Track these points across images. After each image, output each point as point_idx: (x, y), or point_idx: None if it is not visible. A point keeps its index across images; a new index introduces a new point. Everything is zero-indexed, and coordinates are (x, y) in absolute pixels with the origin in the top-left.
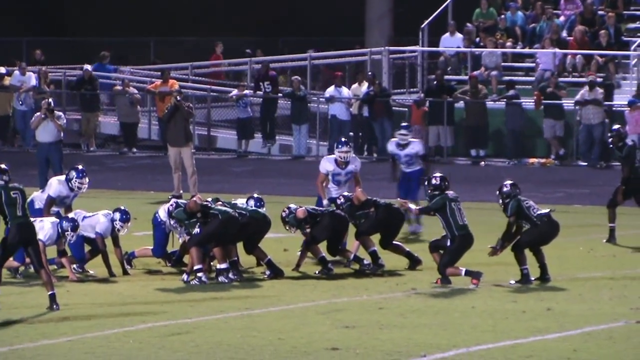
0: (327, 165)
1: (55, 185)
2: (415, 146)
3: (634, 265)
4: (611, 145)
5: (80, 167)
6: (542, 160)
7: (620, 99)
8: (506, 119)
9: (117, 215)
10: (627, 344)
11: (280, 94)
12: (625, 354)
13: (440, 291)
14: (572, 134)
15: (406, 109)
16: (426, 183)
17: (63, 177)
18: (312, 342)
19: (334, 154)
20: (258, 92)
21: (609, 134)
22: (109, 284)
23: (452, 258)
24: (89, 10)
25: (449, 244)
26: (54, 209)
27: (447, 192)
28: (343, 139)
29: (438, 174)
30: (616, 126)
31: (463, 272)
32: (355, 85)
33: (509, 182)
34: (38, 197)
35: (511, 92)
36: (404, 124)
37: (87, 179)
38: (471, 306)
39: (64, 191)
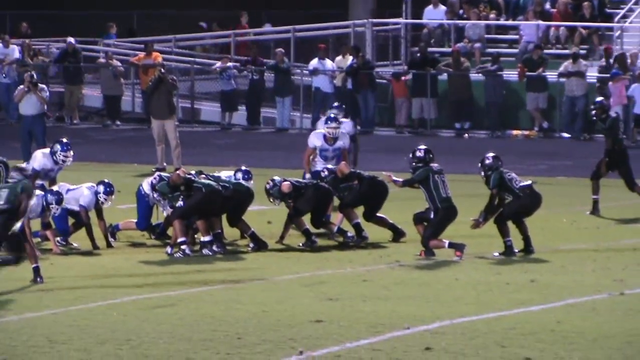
0: (315, 140)
1: (40, 158)
2: (346, 126)
3: (618, 237)
4: (594, 118)
5: (64, 140)
6: (526, 133)
7: (603, 71)
8: (485, 92)
9: (101, 188)
10: (610, 316)
11: (263, 67)
12: (608, 325)
13: (424, 264)
14: (556, 106)
15: (389, 82)
16: (410, 155)
17: (47, 150)
18: (295, 314)
19: (322, 128)
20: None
21: (592, 106)
22: (93, 256)
23: (436, 230)
24: None
25: (432, 216)
26: (39, 181)
27: (431, 164)
28: (332, 115)
29: (422, 146)
30: (599, 98)
31: (446, 245)
32: (339, 58)
33: (491, 154)
34: None
35: (494, 66)
36: (335, 104)
37: (71, 152)
38: (455, 278)
39: (49, 164)
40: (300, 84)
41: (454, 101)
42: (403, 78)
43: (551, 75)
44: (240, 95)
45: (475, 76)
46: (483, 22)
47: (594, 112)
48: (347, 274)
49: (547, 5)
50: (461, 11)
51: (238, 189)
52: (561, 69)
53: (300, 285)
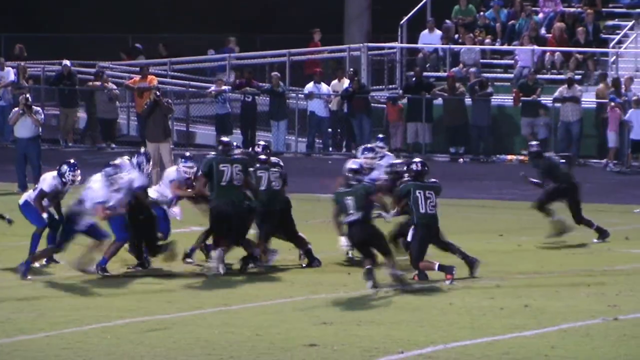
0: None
1: (49, 180)
2: (387, 160)
3: (612, 263)
4: (533, 166)
5: (71, 160)
6: (520, 158)
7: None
8: (473, 116)
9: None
10: (604, 341)
11: (259, 90)
12: (602, 351)
13: (418, 288)
14: (551, 131)
15: (385, 106)
16: (405, 168)
17: (55, 173)
18: (290, 338)
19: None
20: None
21: (527, 152)
22: (86, 279)
23: (419, 251)
24: (67, 6)
25: (410, 231)
26: (45, 202)
27: (424, 179)
28: (371, 145)
29: (417, 159)
30: (533, 143)
31: (436, 267)
32: (335, 82)
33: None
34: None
35: (486, 90)
36: (380, 135)
37: (79, 171)
38: (449, 303)
39: (59, 186)
40: (295, 107)
41: (449, 126)
42: (399, 103)
43: (546, 100)
44: (235, 119)
45: (470, 101)
46: (478, 47)
47: (530, 160)
48: (341, 297)
49: (543, 31)
50: (456, 36)
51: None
52: (556, 94)
53: (294, 309)
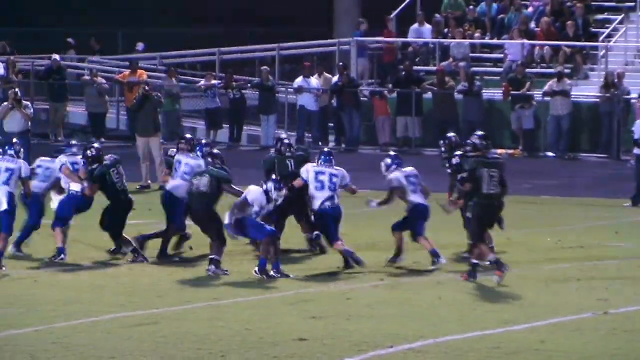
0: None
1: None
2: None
3: (602, 257)
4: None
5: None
6: (510, 152)
7: (588, 90)
8: (464, 111)
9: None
10: (594, 336)
11: (248, 85)
12: (592, 345)
13: (407, 282)
14: (541, 126)
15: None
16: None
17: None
18: (279, 333)
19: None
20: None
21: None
22: (76, 274)
23: (477, 231)
24: (54, 2)
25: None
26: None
27: (487, 156)
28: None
29: (478, 133)
30: (450, 134)
31: (491, 258)
32: (328, 76)
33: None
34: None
35: (476, 85)
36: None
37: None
38: (438, 297)
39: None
40: (285, 102)
41: (439, 120)
42: (386, 93)
43: (536, 95)
44: (225, 113)
45: (460, 96)
46: (468, 41)
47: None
48: (330, 292)
49: (532, 25)
50: (446, 30)
51: None
52: (546, 88)
53: (283, 303)
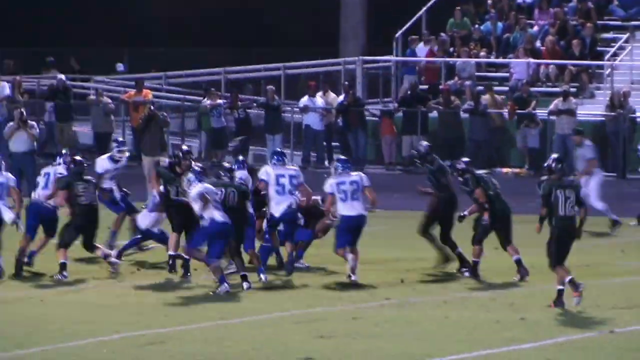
0: None
1: (100, 163)
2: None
3: (607, 276)
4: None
5: (119, 139)
6: (516, 170)
7: (594, 109)
8: (470, 129)
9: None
10: (600, 354)
11: (254, 104)
12: None
13: (414, 301)
14: (547, 144)
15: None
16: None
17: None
18: (287, 352)
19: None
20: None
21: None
22: (82, 293)
23: (557, 253)
24: (61, 21)
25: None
26: (107, 185)
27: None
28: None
29: (554, 155)
30: (424, 143)
31: (568, 280)
32: (333, 96)
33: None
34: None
35: (480, 105)
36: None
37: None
38: (445, 316)
39: (110, 166)
40: (290, 121)
41: (445, 139)
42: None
43: (541, 113)
44: (230, 133)
45: (465, 115)
46: (473, 60)
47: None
48: (337, 311)
49: (538, 43)
50: (452, 49)
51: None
52: (551, 106)
53: (291, 322)
